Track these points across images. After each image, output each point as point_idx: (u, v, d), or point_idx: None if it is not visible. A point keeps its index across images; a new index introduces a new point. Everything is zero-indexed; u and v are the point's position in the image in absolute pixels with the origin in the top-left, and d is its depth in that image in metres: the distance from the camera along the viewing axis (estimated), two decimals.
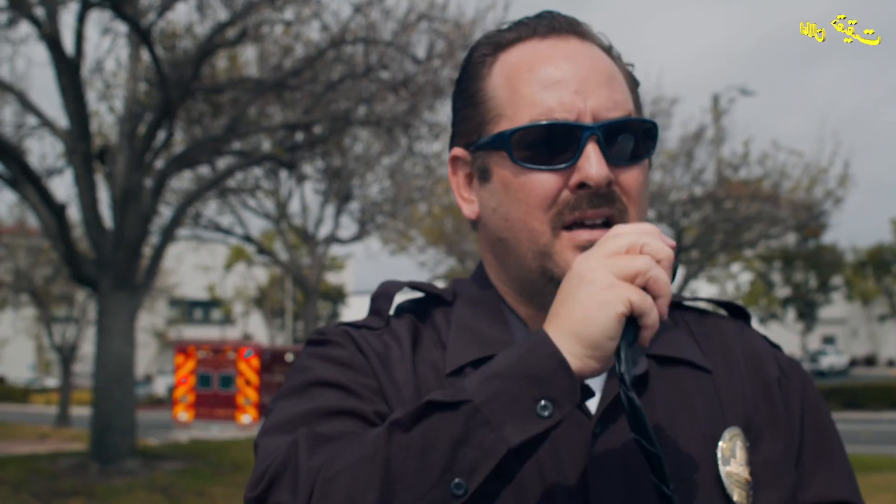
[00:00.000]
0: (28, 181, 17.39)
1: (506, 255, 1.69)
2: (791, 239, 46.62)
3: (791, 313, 55.40)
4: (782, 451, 1.68)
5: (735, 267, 50.50)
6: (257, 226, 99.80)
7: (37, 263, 40.52)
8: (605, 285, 1.40)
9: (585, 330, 1.39)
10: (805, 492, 1.69)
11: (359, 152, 27.67)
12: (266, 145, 23.11)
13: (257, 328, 75.64)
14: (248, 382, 31.28)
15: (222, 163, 22.74)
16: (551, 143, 1.59)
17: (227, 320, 75.46)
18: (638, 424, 1.38)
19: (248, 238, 33.45)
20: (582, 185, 1.58)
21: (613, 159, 1.60)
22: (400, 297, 1.82)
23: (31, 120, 19.67)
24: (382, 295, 1.77)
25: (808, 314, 53.33)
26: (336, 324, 1.74)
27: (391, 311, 1.77)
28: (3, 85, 18.20)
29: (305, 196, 33.59)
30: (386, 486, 1.35)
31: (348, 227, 35.31)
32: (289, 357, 33.06)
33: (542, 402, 1.36)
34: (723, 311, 1.90)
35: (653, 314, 1.40)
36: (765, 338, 1.84)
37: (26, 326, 52.58)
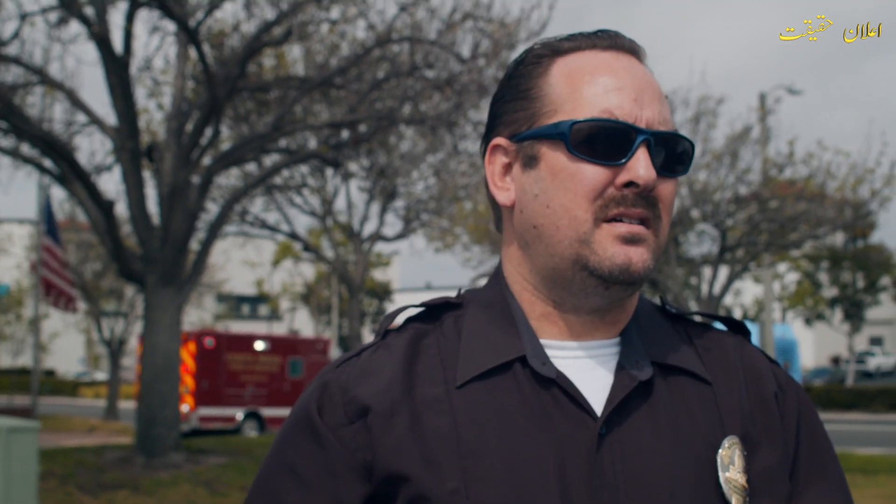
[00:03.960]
0: (77, 178, 17.60)
1: (537, 243, 1.73)
2: (838, 239, 46.17)
3: (838, 314, 54.83)
4: (778, 462, 1.72)
5: (782, 267, 50.07)
6: (303, 223, 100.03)
7: (86, 258, 40.94)
8: None
9: None
10: (798, 502, 1.73)
11: (404, 150, 27.74)
12: (312, 143, 23.25)
13: (304, 324, 75.94)
14: (186, 370, 29.26)
15: (268, 160, 22.90)
16: (606, 141, 1.65)
17: (275, 316, 75.85)
18: None
19: (294, 235, 33.60)
20: (629, 185, 1.64)
21: (657, 168, 1.67)
22: (408, 314, 1.85)
23: (81, 117, 19.86)
24: (387, 317, 1.83)
25: (855, 315, 52.74)
26: (332, 381, 1.74)
27: (394, 326, 1.80)
28: (54, 83, 18.40)
29: (351, 193, 33.54)
30: None
31: (393, 225, 35.46)
32: (258, 345, 31.89)
33: None
34: (723, 326, 1.92)
35: None
36: (763, 353, 1.88)
37: (76, 320, 53.09)
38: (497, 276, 1.84)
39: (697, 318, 1.92)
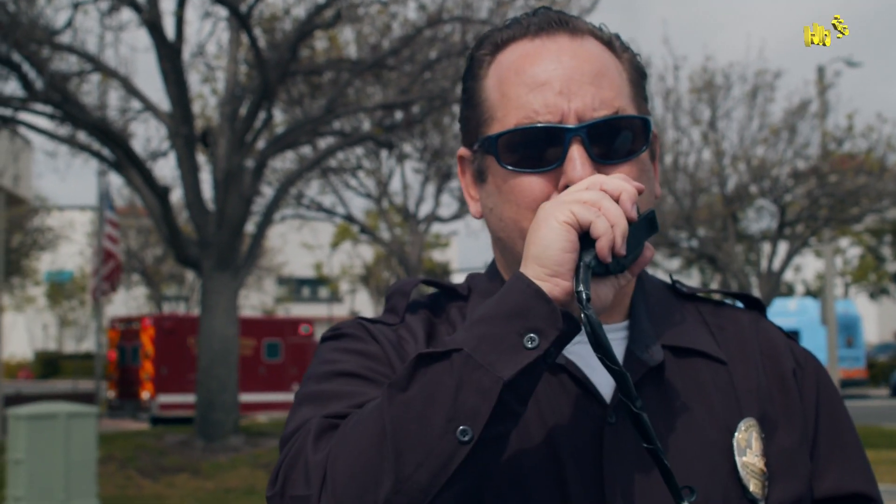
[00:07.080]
0: (132, 165, 17.77)
1: (506, 253, 1.71)
2: None
3: None
4: (797, 442, 1.68)
5: (843, 241, 49.48)
6: (359, 205, 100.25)
7: (147, 244, 41.36)
8: (552, 208, 1.47)
9: (541, 250, 1.44)
10: (820, 483, 1.69)
11: (457, 131, 27.71)
12: (366, 125, 23.29)
13: (364, 306, 76.24)
14: (146, 355, 28.78)
15: (322, 143, 22.96)
16: (536, 147, 1.60)
17: (335, 298, 76.13)
18: (597, 342, 1.40)
19: (350, 217, 33.66)
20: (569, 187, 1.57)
21: (601, 158, 1.59)
22: (417, 294, 1.82)
23: (136, 104, 20.04)
24: (398, 292, 1.77)
25: None
26: (353, 319, 1.74)
27: (406, 307, 1.76)
28: (108, 71, 18.55)
29: (406, 175, 33.50)
30: (392, 450, 1.37)
31: (449, 206, 35.19)
32: None
33: (528, 335, 1.40)
34: (738, 303, 1.89)
35: (600, 222, 1.42)
36: (780, 328, 1.83)
37: (138, 305, 53.69)
38: (494, 269, 1.80)
39: (710, 296, 1.87)
